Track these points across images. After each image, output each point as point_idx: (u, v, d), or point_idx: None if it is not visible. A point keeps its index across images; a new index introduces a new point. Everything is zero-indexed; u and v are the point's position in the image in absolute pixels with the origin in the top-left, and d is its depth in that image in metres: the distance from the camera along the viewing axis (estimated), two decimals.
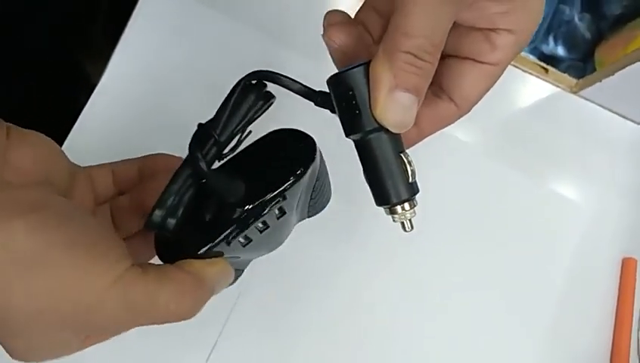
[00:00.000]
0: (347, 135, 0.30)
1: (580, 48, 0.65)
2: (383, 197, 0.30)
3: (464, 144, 0.57)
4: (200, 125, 0.32)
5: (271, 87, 0.32)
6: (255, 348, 0.50)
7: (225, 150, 0.33)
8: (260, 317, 0.50)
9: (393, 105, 0.27)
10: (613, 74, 0.55)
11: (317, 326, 0.51)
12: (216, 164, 0.33)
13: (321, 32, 0.31)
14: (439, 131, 0.34)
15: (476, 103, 0.32)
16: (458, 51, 0.31)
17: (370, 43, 0.32)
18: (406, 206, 0.30)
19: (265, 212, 0.31)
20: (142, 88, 0.53)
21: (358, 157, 0.31)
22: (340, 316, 0.51)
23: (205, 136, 0.31)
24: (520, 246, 0.56)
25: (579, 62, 0.65)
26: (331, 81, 0.29)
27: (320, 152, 0.34)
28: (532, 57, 0.61)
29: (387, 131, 0.29)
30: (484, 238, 0.55)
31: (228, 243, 0.31)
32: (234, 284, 0.49)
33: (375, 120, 0.28)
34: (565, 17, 0.64)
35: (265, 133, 0.35)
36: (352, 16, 0.33)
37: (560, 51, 0.65)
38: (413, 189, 0.30)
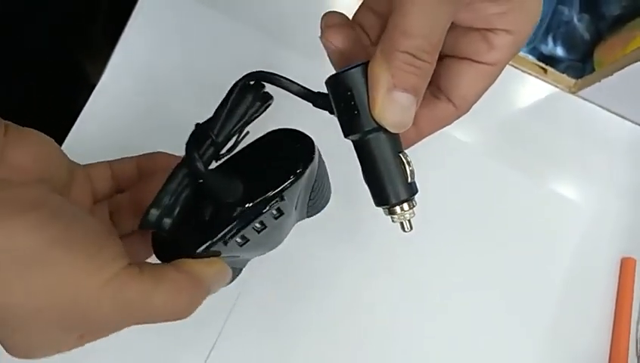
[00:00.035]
0: (346, 136, 0.30)
1: (579, 48, 0.65)
2: (382, 198, 0.30)
3: (463, 144, 0.57)
4: (197, 125, 0.32)
5: (269, 88, 0.32)
6: (254, 348, 0.50)
7: (223, 151, 0.33)
8: (260, 317, 0.50)
9: (392, 105, 0.27)
10: (611, 74, 0.55)
11: (317, 326, 0.51)
12: (214, 164, 0.34)
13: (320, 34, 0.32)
14: (438, 132, 0.34)
15: (474, 103, 0.32)
16: (456, 52, 0.31)
17: (367, 44, 0.33)
18: (405, 206, 0.30)
19: (262, 212, 0.31)
20: (142, 87, 0.53)
21: (357, 158, 0.31)
22: (340, 316, 0.51)
23: (202, 136, 0.31)
24: (520, 246, 0.56)
25: (578, 62, 0.65)
26: (330, 82, 0.29)
27: (319, 152, 0.34)
28: (531, 58, 0.61)
29: (386, 131, 0.29)
30: (484, 238, 0.55)
31: (225, 243, 0.31)
32: (234, 284, 0.49)
33: (374, 120, 0.28)
34: (564, 18, 0.64)
35: (263, 134, 0.35)
36: (351, 17, 0.33)
37: (559, 51, 0.65)
38: (412, 189, 0.30)
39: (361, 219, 0.53)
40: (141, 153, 0.38)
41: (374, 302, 0.52)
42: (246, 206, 0.31)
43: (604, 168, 0.59)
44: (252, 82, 0.32)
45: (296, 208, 0.34)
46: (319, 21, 0.31)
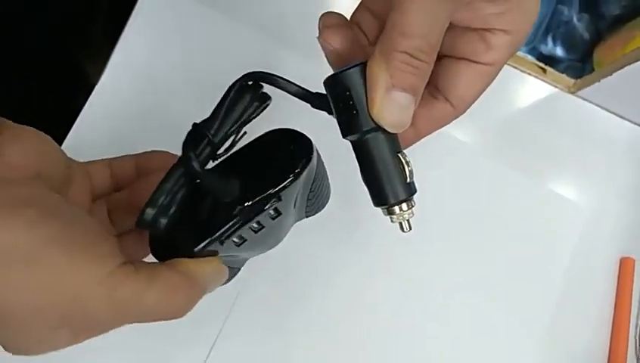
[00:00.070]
0: (344, 136, 0.30)
1: (579, 48, 0.65)
2: (380, 198, 0.31)
3: (462, 144, 0.57)
4: (194, 124, 0.32)
5: (268, 88, 0.33)
6: (254, 347, 0.50)
7: (220, 151, 0.33)
8: (259, 316, 0.50)
9: (390, 105, 0.27)
10: (611, 74, 0.55)
11: (317, 326, 0.51)
12: (212, 164, 0.34)
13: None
14: (437, 132, 0.34)
15: (472, 103, 0.32)
16: (454, 52, 0.31)
17: (365, 44, 0.33)
18: (404, 206, 0.30)
19: (259, 212, 0.31)
20: (141, 87, 0.53)
21: (355, 158, 0.31)
22: (340, 316, 0.52)
23: (199, 136, 0.31)
24: (519, 246, 0.56)
25: (578, 62, 0.65)
26: (328, 82, 0.29)
27: (318, 153, 0.34)
28: (530, 58, 0.61)
29: (384, 131, 0.29)
30: (483, 238, 0.55)
31: (222, 243, 0.31)
32: (234, 283, 0.49)
33: (372, 120, 0.28)
34: (563, 18, 0.64)
35: (261, 134, 0.35)
36: (349, 17, 0.33)
37: (559, 51, 0.65)
38: (411, 189, 0.31)
39: (361, 219, 0.53)
40: (140, 152, 0.38)
41: (373, 302, 0.52)
42: (244, 206, 0.31)
43: (604, 168, 0.59)
44: (250, 83, 0.32)
45: (294, 208, 0.34)
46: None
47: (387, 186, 0.30)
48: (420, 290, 0.53)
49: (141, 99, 0.53)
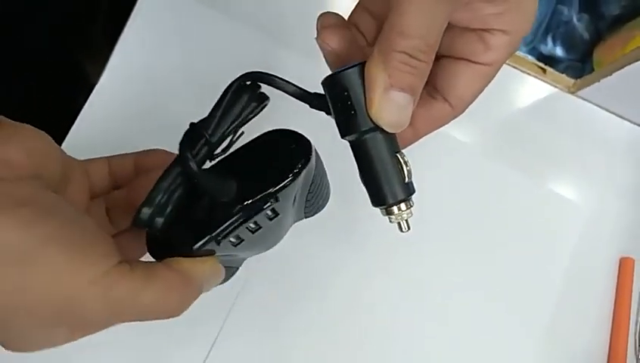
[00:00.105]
0: (343, 136, 0.30)
1: (578, 48, 0.65)
2: (379, 198, 0.30)
3: (462, 144, 0.57)
4: (191, 124, 0.32)
5: (266, 88, 0.33)
6: (254, 347, 0.50)
7: (218, 151, 0.33)
8: (259, 316, 0.50)
9: (389, 105, 0.27)
10: (611, 74, 0.55)
11: (316, 326, 0.51)
12: (210, 164, 0.34)
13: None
14: (437, 132, 0.34)
15: (470, 103, 0.32)
16: (452, 52, 0.31)
17: (363, 45, 0.33)
18: (402, 206, 0.30)
19: (256, 213, 0.31)
20: (141, 88, 0.53)
21: (354, 158, 0.31)
22: (340, 316, 0.52)
23: (196, 136, 0.31)
24: (519, 246, 0.56)
25: (578, 62, 0.65)
26: (326, 82, 0.29)
27: (317, 153, 0.34)
28: (530, 58, 0.61)
29: (383, 131, 0.29)
30: (483, 238, 0.55)
31: (218, 243, 0.31)
32: (233, 283, 0.49)
33: (371, 120, 0.28)
34: (563, 18, 0.64)
35: (260, 134, 0.35)
36: (347, 17, 0.33)
37: (559, 51, 0.65)
38: (409, 189, 0.31)
39: (359, 219, 0.53)
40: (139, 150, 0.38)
41: (373, 302, 0.52)
42: (241, 206, 0.31)
43: (603, 168, 0.59)
44: (248, 83, 0.32)
45: (292, 209, 0.34)
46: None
47: (386, 186, 0.30)
48: (418, 290, 0.53)
49: (140, 99, 0.53)
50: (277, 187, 0.31)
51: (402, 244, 0.50)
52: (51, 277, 0.25)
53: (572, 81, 0.60)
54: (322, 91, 0.30)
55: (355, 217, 0.52)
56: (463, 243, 0.55)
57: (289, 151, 0.33)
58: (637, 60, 0.52)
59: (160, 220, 0.31)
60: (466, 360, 0.53)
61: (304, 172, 0.32)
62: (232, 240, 0.31)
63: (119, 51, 0.54)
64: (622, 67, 0.53)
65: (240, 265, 0.38)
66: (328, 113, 0.30)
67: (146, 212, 0.31)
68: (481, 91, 0.32)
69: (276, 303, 0.51)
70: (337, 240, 0.53)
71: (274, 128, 0.35)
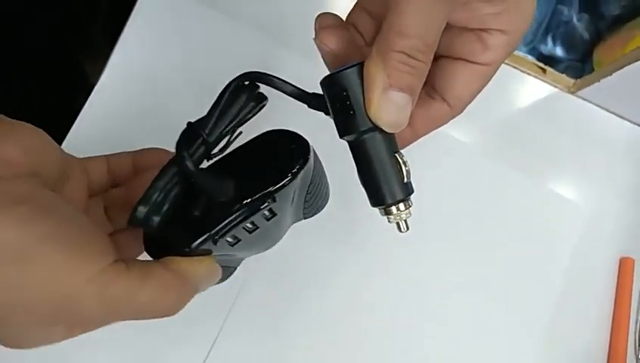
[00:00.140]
0: (341, 136, 0.30)
1: (578, 48, 0.65)
2: (377, 198, 0.30)
3: (462, 144, 0.57)
4: (189, 123, 0.32)
5: (265, 89, 0.33)
6: (253, 347, 0.50)
7: (215, 150, 0.33)
8: (259, 316, 0.50)
9: (387, 105, 0.27)
10: (610, 74, 0.55)
11: (316, 326, 0.51)
12: (208, 163, 0.34)
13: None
14: (436, 132, 0.34)
15: (469, 103, 0.32)
16: (451, 52, 0.31)
17: (362, 45, 0.33)
18: (401, 206, 0.30)
19: (253, 213, 0.31)
20: (141, 87, 0.53)
21: (352, 158, 0.31)
22: (339, 316, 0.52)
23: (193, 135, 0.31)
24: (519, 246, 0.56)
25: (578, 62, 0.65)
26: (325, 82, 0.29)
27: (315, 154, 0.34)
28: (530, 58, 0.61)
29: (381, 131, 0.29)
30: (483, 238, 0.55)
31: (215, 242, 0.31)
32: (233, 284, 0.49)
33: (369, 120, 0.28)
34: (563, 18, 0.64)
35: (258, 134, 0.35)
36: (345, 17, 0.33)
37: (559, 51, 0.65)
38: (408, 189, 0.30)
39: (358, 219, 0.53)
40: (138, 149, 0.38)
41: (372, 302, 0.52)
42: (237, 206, 0.31)
43: (603, 168, 0.59)
44: (246, 83, 0.32)
45: (290, 209, 0.34)
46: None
47: (384, 186, 0.30)
48: (418, 291, 0.53)
49: (140, 99, 0.53)
50: (274, 188, 0.31)
51: (401, 244, 0.50)
52: (48, 275, 0.25)
53: (572, 81, 0.60)
54: (321, 92, 0.30)
55: (355, 217, 0.52)
56: (462, 243, 0.55)
57: (287, 151, 0.33)
58: (637, 60, 0.52)
59: (156, 219, 0.31)
60: (466, 360, 0.53)
61: (302, 172, 0.32)
62: (229, 239, 0.31)
63: (119, 51, 0.54)
64: (622, 67, 0.53)
65: (238, 265, 0.38)
66: (327, 114, 0.30)
67: (142, 210, 0.31)
68: (480, 91, 0.32)
69: (276, 303, 0.51)
70: (336, 241, 0.53)
71: (273, 128, 0.35)
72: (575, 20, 0.64)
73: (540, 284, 0.55)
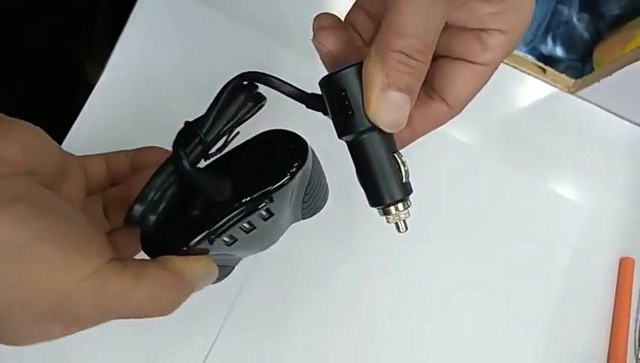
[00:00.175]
0: (340, 136, 0.30)
1: (578, 48, 0.64)
2: (376, 198, 0.30)
3: (462, 144, 0.57)
4: (186, 123, 0.32)
5: (264, 89, 0.32)
6: (253, 347, 0.50)
7: (213, 150, 0.32)
8: (258, 316, 0.50)
9: (386, 104, 0.27)
10: (611, 74, 0.55)
11: (315, 326, 0.51)
12: (206, 163, 0.34)
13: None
14: (436, 132, 0.34)
15: (467, 103, 0.32)
16: (450, 52, 0.31)
17: (360, 45, 0.33)
18: (400, 206, 0.30)
19: (250, 213, 0.31)
20: (141, 87, 0.53)
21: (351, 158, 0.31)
22: (339, 316, 0.52)
23: (191, 134, 0.31)
24: (519, 246, 0.56)
25: (578, 62, 0.65)
26: (323, 82, 0.29)
27: (314, 154, 0.34)
28: (530, 58, 0.61)
29: (380, 131, 0.29)
30: (483, 238, 0.55)
31: (211, 242, 0.31)
32: (233, 283, 0.49)
33: (368, 120, 0.28)
34: (563, 18, 0.64)
35: (257, 134, 0.35)
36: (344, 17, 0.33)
37: (559, 51, 0.65)
38: (407, 189, 0.30)
39: (358, 219, 0.53)
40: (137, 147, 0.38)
41: (372, 302, 0.52)
42: (234, 205, 0.31)
43: (603, 168, 0.59)
44: (245, 83, 0.32)
45: (288, 209, 0.34)
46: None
47: (383, 186, 0.30)
48: (418, 291, 0.53)
49: (140, 99, 0.53)
50: (272, 188, 0.31)
51: (401, 244, 0.49)
52: (44, 274, 0.25)
53: (572, 81, 0.60)
54: (320, 92, 0.30)
55: (354, 217, 0.52)
56: (462, 243, 0.55)
57: (285, 152, 0.32)
58: (637, 60, 0.52)
59: (152, 218, 0.31)
60: (466, 360, 0.53)
61: (300, 172, 0.32)
62: (226, 239, 0.31)
63: (119, 51, 0.54)
64: (622, 67, 0.53)
65: (236, 265, 0.38)
66: (325, 114, 0.30)
67: (138, 209, 0.31)
68: (478, 90, 0.32)
69: (276, 303, 0.51)
70: (336, 241, 0.53)
71: (272, 128, 0.35)
72: (575, 19, 0.64)
73: (540, 284, 0.55)
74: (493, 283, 0.54)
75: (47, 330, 0.28)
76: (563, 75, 0.60)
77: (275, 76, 0.31)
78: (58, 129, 0.45)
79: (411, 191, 0.31)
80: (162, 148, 0.38)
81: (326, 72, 0.30)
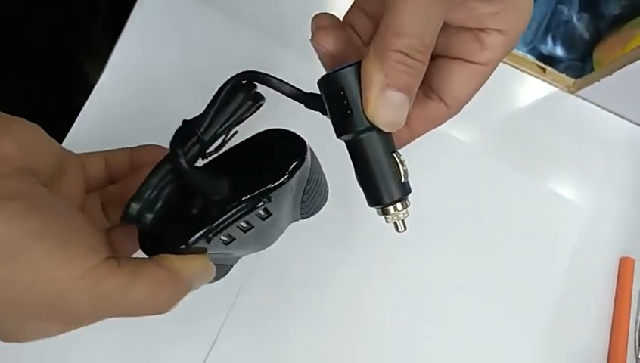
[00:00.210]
0: (339, 136, 0.30)
1: (578, 47, 0.64)
2: (375, 198, 0.30)
3: (462, 143, 0.57)
4: (184, 121, 0.32)
5: (263, 89, 0.32)
6: (254, 347, 0.50)
7: (211, 149, 0.32)
8: (259, 316, 0.50)
9: (385, 104, 0.27)
10: (611, 74, 0.55)
11: (316, 326, 0.51)
12: (204, 161, 0.33)
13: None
14: (436, 131, 0.34)
15: (466, 103, 0.32)
16: (448, 51, 0.31)
17: (359, 45, 0.33)
18: (399, 206, 0.30)
19: (247, 212, 0.31)
20: (141, 87, 0.53)
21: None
22: (339, 316, 0.52)
23: (188, 133, 0.31)
24: (519, 246, 0.56)
25: (578, 62, 0.65)
26: (322, 82, 0.29)
27: (313, 154, 0.34)
28: (530, 57, 0.61)
29: (379, 130, 0.29)
30: (482, 238, 0.55)
31: (209, 241, 0.31)
32: (233, 283, 0.49)
33: (367, 120, 0.28)
34: (563, 17, 0.64)
35: (255, 133, 0.35)
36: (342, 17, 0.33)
37: (559, 51, 0.65)
38: (405, 189, 0.30)
39: (359, 219, 0.53)
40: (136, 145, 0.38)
41: (372, 302, 0.52)
42: (232, 204, 0.31)
43: (603, 167, 0.59)
44: (243, 82, 0.32)
45: (287, 209, 0.34)
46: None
47: (382, 186, 0.30)
48: (418, 290, 0.53)
49: (140, 99, 0.53)
50: (270, 187, 0.31)
51: (401, 244, 0.49)
52: (40, 272, 0.25)
53: (572, 80, 0.60)
54: (319, 92, 0.30)
55: (355, 217, 0.52)
56: (462, 243, 0.55)
57: (284, 151, 0.32)
58: (637, 60, 0.52)
59: (149, 216, 0.31)
60: (466, 360, 0.53)
61: (298, 172, 0.31)
62: (223, 238, 0.31)
63: (119, 51, 0.54)
64: (622, 67, 0.53)
65: (235, 264, 0.38)
66: (324, 113, 0.30)
67: (135, 207, 0.31)
68: (477, 90, 0.32)
69: (276, 303, 0.51)
70: (336, 240, 0.53)
71: (272, 127, 0.35)
72: (575, 19, 0.64)
73: (540, 284, 0.55)
74: (493, 283, 0.54)
75: (45, 327, 0.28)
76: (563, 74, 0.60)
77: (274, 75, 0.31)
78: (58, 129, 0.45)
79: (409, 191, 0.31)
80: (161, 146, 0.38)
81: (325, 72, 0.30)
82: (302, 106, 0.32)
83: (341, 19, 0.33)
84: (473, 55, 0.31)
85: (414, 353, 0.52)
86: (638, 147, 0.60)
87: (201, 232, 0.30)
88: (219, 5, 0.56)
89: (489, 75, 0.32)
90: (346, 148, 0.31)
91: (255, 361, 0.50)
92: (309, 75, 0.33)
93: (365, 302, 0.52)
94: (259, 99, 0.32)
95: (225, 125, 0.32)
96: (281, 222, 0.35)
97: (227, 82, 0.31)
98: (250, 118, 0.33)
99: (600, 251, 0.56)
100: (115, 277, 0.27)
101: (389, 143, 0.30)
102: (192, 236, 0.30)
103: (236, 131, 0.33)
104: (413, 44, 0.27)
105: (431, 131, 0.34)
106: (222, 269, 0.35)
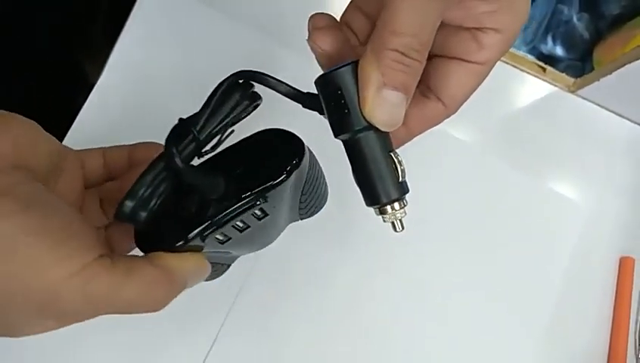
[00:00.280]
0: (336, 136, 0.30)
1: (578, 47, 0.64)
2: (372, 197, 0.30)
3: (462, 143, 0.57)
4: (180, 119, 0.32)
5: (261, 88, 0.32)
6: (254, 347, 0.50)
7: (207, 148, 0.32)
8: (259, 316, 0.50)
9: (382, 103, 0.27)
10: (611, 73, 0.55)
11: (316, 325, 0.51)
12: (201, 160, 0.33)
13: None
14: (436, 131, 0.34)
15: (463, 102, 0.32)
16: (445, 51, 0.31)
17: (356, 44, 0.33)
18: (396, 205, 0.30)
19: (243, 211, 0.31)
20: (140, 87, 0.54)
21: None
22: (340, 316, 0.52)
23: (184, 132, 0.31)
24: (519, 246, 0.56)
25: (578, 62, 0.65)
26: (319, 81, 0.29)
27: (312, 154, 0.34)
28: (530, 57, 0.60)
29: (376, 130, 0.29)
30: (482, 238, 0.55)
31: (203, 239, 0.30)
32: (233, 283, 0.49)
33: (364, 119, 0.28)
34: (563, 17, 0.64)
35: (253, 133, 0.35)
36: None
37: (559, 50, 0.65)
38: (403, 189, 0.30)
39: (359, 219, 0.53)
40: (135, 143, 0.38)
41: (373, 302, 0.52)
42: (227, 203, 0.31)
43: (603, 167, 0.59)
44: (240, 81, 0.32)
45: (284, 209, 0.34)
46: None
47: (379, 185, 0.30)
48: (419, 290, 0.53)
49: (140, 98, 0.53)
50: (266, 187, 0.31)
51: (401, 244, 0.50)
52: (31, 269, 0.25)
53: (572, 80, 0.60)
54: (316, 91, 0.30)
55: (354, 217, 0.52)
56: (462, 243, 0.55)
57: (281, 151, 0.32)
58: (637, 59, 0.52)
59: (142, 214, 0.31)
60: (466, 360, 0.53)
61: (295, 172, 0.31)
62: (219, 237, 0.31)
63: (119, 51, 0.54)
64: (622, 66, 0.53)
65: (232, 262, 0.37)
66: (321, 113, 0.30)
67: (129, 205, 0.30)
68: (474, 90, 0.32)
69: (276, 303, 0.51)
70: (336, 240, 0.53)
71: (270, 127, 0.35)
72: (575, 19, 0.64)
73: (540, 284, 0.55)
74: (493, 283, 0.54)
75: (40, 322, 0.28)
76: (564, 74, 0.60)
77: (271, 75, 0.31)
78: (58, 129, 0.45)
79: (407, 191, 0.31)
80: (160, 144, 0.37)
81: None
82: (299, 106, 0.31)
83: (339, 19, 0.33)
84: (470, 54, 0.31)
85: (415, 353, 0.52)
86: (638, 147, 0.60)
87: (196, 231, 0.30)
88: (219, 5, 0.56)
89: (487, 74, 0.32)
90: (341, 148, 0.31)
91: (255, 360, 0.50)
92: (308, 75, 0.33)
93: (365, 301, 0.52)
94: (256, 98, 0.32)
95: (221, 125, 0.32)
96: (279, 222, 0.35)
97: (223, 81, 0.31)
98: (247, 117, 0.33)
99: (600, 251, 0.56)
100: (108, 274, 0.27)
101: (386, 142, 0.30)
102: (187, 234, 0.30)
103: (232, 131, 0.33)
104: (410, 43, 0.27)
105: (431, 131, 0.34)
106: (220, 268, 0.35)
